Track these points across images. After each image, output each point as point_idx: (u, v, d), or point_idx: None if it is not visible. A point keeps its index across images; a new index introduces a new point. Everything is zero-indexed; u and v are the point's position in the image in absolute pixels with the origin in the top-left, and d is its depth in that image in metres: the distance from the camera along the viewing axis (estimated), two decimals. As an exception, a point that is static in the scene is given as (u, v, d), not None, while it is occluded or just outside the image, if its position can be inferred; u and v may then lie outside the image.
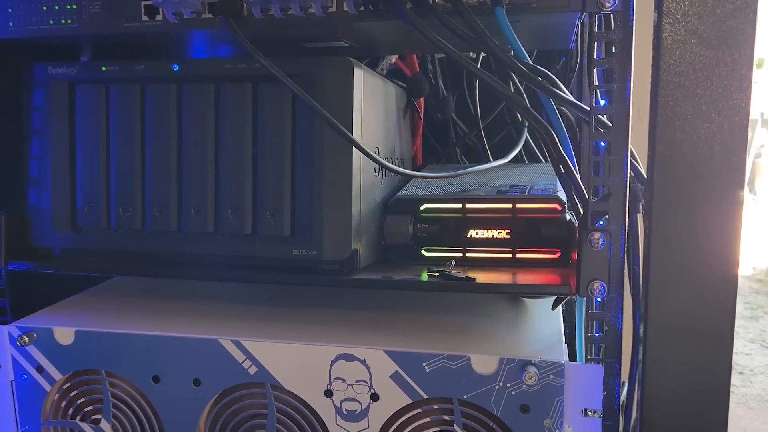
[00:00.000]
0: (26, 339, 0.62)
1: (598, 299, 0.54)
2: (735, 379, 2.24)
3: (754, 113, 5.48)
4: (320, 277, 0.59)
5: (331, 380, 0.57)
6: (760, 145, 5.54)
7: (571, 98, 0.49)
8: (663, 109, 0.42)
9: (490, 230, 0.63)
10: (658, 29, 0.42)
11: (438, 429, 0.56)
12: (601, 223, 0.51)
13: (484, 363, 0.54)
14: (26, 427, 0.64)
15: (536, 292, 0.60)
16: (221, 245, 0.61)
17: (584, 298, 0.54)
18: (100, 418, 0.63)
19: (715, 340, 0.46)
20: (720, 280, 0.45)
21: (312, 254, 0.59)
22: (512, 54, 0.49)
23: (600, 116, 0.50)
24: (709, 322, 0.46)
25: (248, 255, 0.61)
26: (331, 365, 0.57)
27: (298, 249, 0.59)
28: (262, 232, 0.60)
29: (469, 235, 0.63)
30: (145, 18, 0.57)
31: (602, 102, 0.51)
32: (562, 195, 0.62)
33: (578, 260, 0.52)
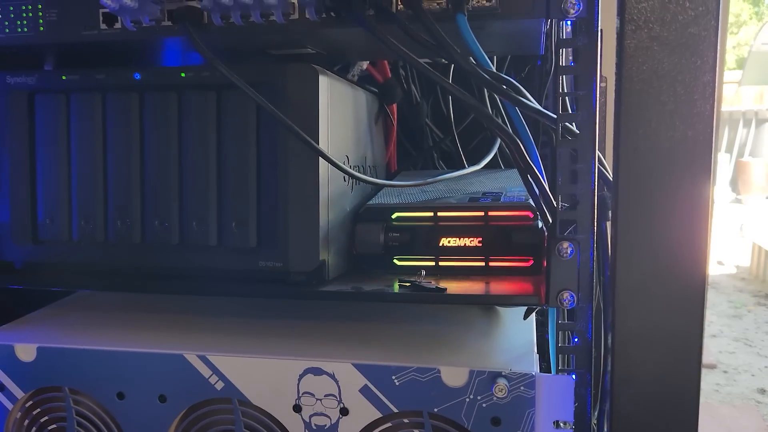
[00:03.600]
0: (-14, 356, 0.60)
1: (572, 314, 0.53)
2: (719, 378, 2.25)
3: (736, 113, 5.55)
4: (288, 289, 0.58)
5: (300, 395, 0.56)
6: (743, 144, 5.59)
7: (537, 106, 0.48)
8: (626, 117, 0.42)
9: (462, 238, 0.62)
10: (620, 36, 0.42)
11: (408, 443, 0.55)
12: (573, 231, 0.51)
13: (454, 375, 0.53)
14: (-13, 447, 0.62)
15: (505, 302, 0.59)
16: (186, 257, 0.60)
17: (555, 308, 0.53)
18: (64, 437, 0.61)
19: (683, 348, 0.46)
20: (687, 289, 0.45)
21: (279, 266, 0.58)
22: (476, 62, 0.48)
23: (567, 124, 0.49)
24: (677, 331, 0.45)
25: (214, 267, 0.59)
26: (299, 379, 0.56)
27: (264, 260, 0.58)
28: (227, 243, 0.59)
29: (441, 244, 0.63)
30: (103, 26, 0.56)
31: (573, 109, 0.50)
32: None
33: (547, 270, 0.51)
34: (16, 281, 0.63)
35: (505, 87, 0.47)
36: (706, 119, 0.40)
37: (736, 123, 5.58)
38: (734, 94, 5.71)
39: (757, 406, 2.06)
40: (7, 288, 0.64)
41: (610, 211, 0.52)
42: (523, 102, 0.47)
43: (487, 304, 0.66)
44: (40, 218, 0.63)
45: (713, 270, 3.67)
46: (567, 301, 0.50)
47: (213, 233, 0.59)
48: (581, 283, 0.50)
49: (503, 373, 0.52)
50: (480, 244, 0.62)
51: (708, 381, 2.19)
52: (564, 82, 0.52)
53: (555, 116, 0.49)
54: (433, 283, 0.57)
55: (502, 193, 0.67)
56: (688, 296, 0.45)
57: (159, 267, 0.61)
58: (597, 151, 0.49)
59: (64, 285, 0.65)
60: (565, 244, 0.50)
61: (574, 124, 0.49)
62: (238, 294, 0.59)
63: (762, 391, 2.17)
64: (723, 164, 5.38)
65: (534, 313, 0.64)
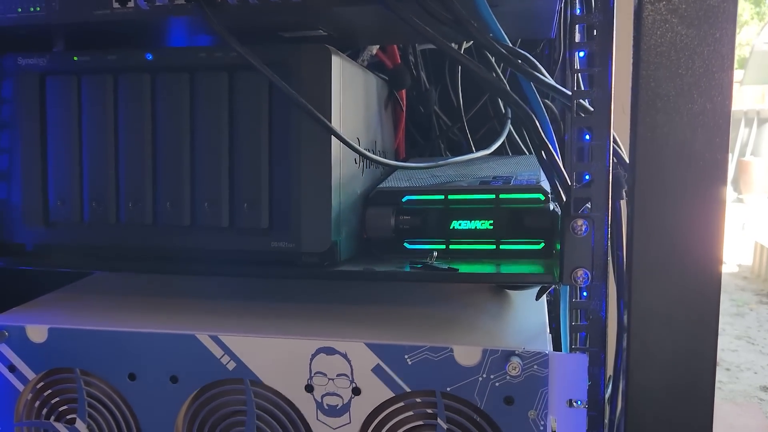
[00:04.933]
0: (-3, 337, 0.60)
1: (585, 293, 0.53)
2: (721, 376, 2.25)
3: (738, 112, 5.55)
4: (299, 270, 0.58)
5: (312, 375, 0.56)
6: (744, 144, 5.59)
7: (552, 82, 0.48)
8: (644, 90, 0.42)
9: (473, 221, 0.62)
10: (638, 9, 0.41)
11: (421, 422, 0.55)
12: (587, 210, 0.50)
13: (467, 354, 0.53)
14: (-2, 429, 0.62)
15: (519, 281, 0.59)
16: (198, 238, 0.60)
17: (568, 287, 0.53)
18: (75, 418, 0.61)
19: (699, 327, 0.46)
20: (704, 267, 0.44)
21: (291, 247, 0.58)
22: (492, 37, 0.48)
23: (581, 101, 0.49)
24: (693, 310, 0.45)
25: (225, 248, 0.59)
26: (311, 359, 0.55)
27: (276, 241, 0.58)
28: (239, 224, 0.59)
29: (452, 227, 0.62)
30: (116, 5, 0.56)
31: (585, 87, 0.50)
32: (545, 185, 0.61)
33: (561, 248, 0.51)
34: (27, 263, 0.63)
35: (520, 62, 0.47)
36: (725, 91, 0.40)
37: (738, 122, 5.58)
38: (736, 93, 5.71)
39: (760, 404, 2.05)
40: (19, 270, 0.63)
41: (624, 190, 0.52)
42: (539, 77, 0.47)
43: (501, 283, 0.66)
44: (51, 200, 0.63)
45: (715, 268, 3.66)
46: (581, 279, 0.50)
47: (225, 214, 0.59)
48: (595, 261, 0.50)
49: (516, 352, 0.52)
50: (491, 227, 0.62)
51: (711, 378, 2.19)
52: (577, 60, 0.52)
53: (570, 93, 0.49)
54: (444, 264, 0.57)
55: (512, 177, 0.67)
56: (706, 274, 0.45)
57: (170, 248, 0.61)
58: (611, 129, 0.49)
59: (75, 266, 0.65)
60: (580, 222, 0.50)
61: (587, 101, 0.49)
62: (249, 275, 0.59)
63: (764, 389, 2.16)
64: (724, 164, 5.36)
65: (545, 296, 0.64)
